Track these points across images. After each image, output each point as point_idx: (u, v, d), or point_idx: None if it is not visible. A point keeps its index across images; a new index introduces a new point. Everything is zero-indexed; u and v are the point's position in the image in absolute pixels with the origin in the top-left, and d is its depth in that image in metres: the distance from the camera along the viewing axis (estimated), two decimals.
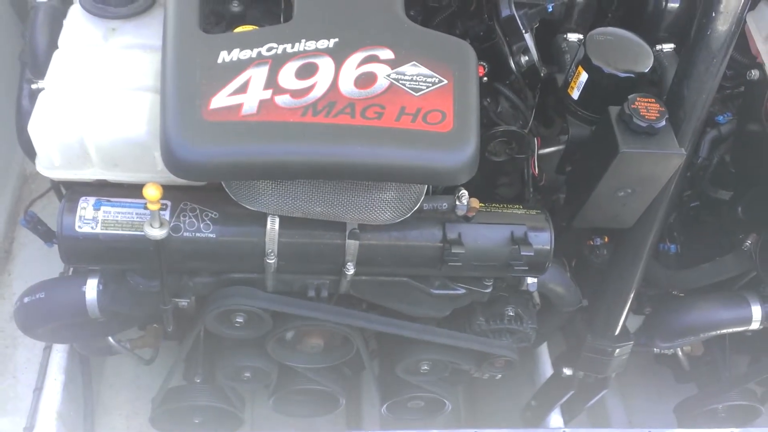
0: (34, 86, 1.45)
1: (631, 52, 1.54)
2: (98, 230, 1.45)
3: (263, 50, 1.28)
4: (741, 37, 1.75)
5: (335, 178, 1.34)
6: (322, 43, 1.29)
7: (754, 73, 1.74)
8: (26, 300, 1.66)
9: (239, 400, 2.03)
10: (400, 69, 1.29)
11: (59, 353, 2.03)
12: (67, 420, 2.01)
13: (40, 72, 1.47)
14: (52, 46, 1.50)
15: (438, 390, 1.99)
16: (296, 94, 1.24)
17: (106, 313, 1.64)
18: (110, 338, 1.89)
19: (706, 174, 1.88)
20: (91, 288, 1.60)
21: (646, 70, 1.51)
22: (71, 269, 1.80)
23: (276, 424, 2.21)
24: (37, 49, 1.54)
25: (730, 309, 1.91)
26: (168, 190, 1.38)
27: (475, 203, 1.51)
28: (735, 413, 2.26)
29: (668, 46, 1.74)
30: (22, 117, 1.58)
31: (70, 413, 2.04)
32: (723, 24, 1.35)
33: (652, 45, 1.63)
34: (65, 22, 1.52)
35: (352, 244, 1.50)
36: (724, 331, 1.94)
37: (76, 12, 1.52)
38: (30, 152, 1.46)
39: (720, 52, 1.38)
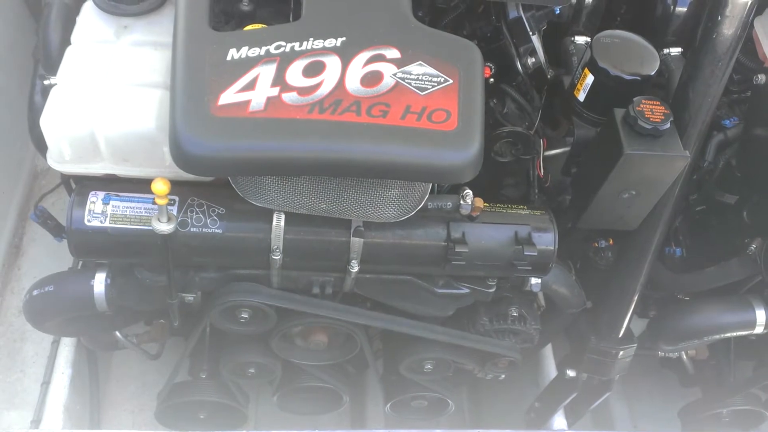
0: (46, 82, 1.47)
1: (637, 55, 1.54)
2: (107, 224, 1.46)
3: (272, 48, 1.29)
4: (749, 42, 1.76)
5: (340, 175, 1.35)
6: (330, 42, 1.31)
7: (761, 78, 1.73)
8: (35, 293, 1.67)
9: (244, 396, 2.04)
10: (407, 68, 1.30)
11: (67, 347, 2.05)
12: (74, 414, 2.03)
13: (52, 68, 1.49)
14: (65, 42, 1.52)
15: (442, 390, 2.00)
16: (303, 91, 1.26)
17: (113, 306, 1.65)
18: (117, 333, 1.91)
19: (712, 177, 1.89)
20: (99, 281, 1.62)
21: (652, 73, 1.52)
22: (80, 264, 1.82)
23: (280, 421, 2.21)
24: (50, 46, 1.56)
25: (734, 313, 1.90)
26: (176, 186, 1.39)
27: (480, 203, 1.52)
28: (739, 418, 2.26)
29: (675, 50, 1.74)
30: (34, 112, 1.59)
31: (76, 407, 2.06)
32: (729, 28, 1.35)
33: (660, 49, 1.64)
34: (78, 19, 1.54)
35: (356, 242, 1.52)
36: (729, 335, 1.94)
37: (88, 9, 1.55)
38: (41, 147, 1.48)
39: (726, 55, 1.38)
